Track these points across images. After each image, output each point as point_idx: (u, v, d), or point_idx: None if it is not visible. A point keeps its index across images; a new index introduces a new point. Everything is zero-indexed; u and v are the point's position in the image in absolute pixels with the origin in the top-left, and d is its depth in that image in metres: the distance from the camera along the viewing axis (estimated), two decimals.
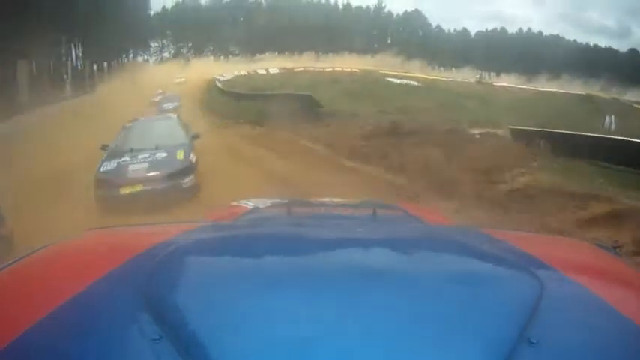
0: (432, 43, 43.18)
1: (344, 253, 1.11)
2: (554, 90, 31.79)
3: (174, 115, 11.77)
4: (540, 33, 37.35)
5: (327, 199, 3.20)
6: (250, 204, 2.82)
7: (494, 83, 35.48)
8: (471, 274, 0.97)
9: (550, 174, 10.01)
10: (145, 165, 9.05)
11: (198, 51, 52.96)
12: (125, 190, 8.62)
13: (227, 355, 0.66)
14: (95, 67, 34.50)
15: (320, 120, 16.71)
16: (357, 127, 14.99)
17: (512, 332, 0.71)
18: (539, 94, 30.40)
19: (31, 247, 1.15)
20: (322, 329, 0.71)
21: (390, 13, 51.65)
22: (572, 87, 32.59)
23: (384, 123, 14.99)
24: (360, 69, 41.22)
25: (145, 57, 48.06)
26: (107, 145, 10.25)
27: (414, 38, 45.91)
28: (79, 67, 31.92)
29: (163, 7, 50.99)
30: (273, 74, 40.86)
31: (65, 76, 29.17)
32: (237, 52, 55.01)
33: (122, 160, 9.22)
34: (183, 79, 33.38)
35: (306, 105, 17.79)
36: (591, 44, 36.19)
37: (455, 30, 47.02)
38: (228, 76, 38.43)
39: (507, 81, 35.38)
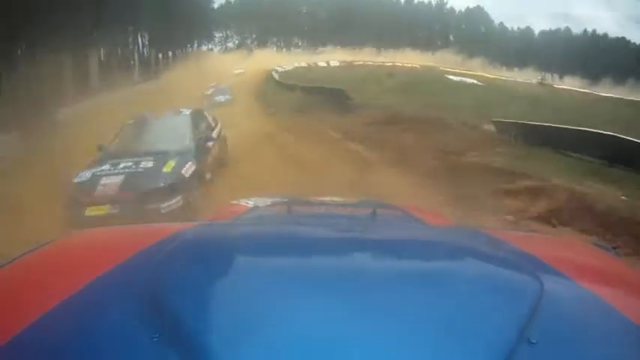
0: (494, 41, 42.34)
1: (343, 253, 1.12)
2: (619, 97, 29.97)
3: (187, 111, 9.30)
4: (606, 35, 36.51)
5: (327, 198, 3.18)
6: (250, 203, 2.83)
7: (556, 85, 34.05)
8: (471, 275, 0.97)
9: (506, 157, 11.34)
10: (119, 179, 6.85)
11: (262, 42, 54.15)
12: (91, 212, 6.50)
13: (227, 355, 0.66)
14: (160, 55, 36.43)
15: (350, 111, 17.91)
16: (373, 117, 16.68)
17: (512, 332, 0.72)
18: (602, 100, 28.95)
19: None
20: (322, 329, 0.72)
21: (452, 9, 52.07)
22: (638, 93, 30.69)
23: (388, 113, 16.67)
24: (420, 65, 41.11)
25: (210, 46, 50.13)
26: (104, 146, 8.26)
27: (476, 35, 45.28)
28: (145, 55, 34.02)
29: (227, 0, 53.32)
30: (333, 67, 41.22)
31: (132, 63, 31.15)
32: (299, 44, 56.31)
33: (100, 169, 7.14)
34: (242, 70, 34.06)
35: (338, 98, 19.74)
36: None
37: (518, 28, 45.87)
38: (288, 67, 38.84)
39: (570, 84, 34.15)
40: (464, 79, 34.07)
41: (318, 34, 52.45)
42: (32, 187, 7.18)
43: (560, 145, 12.26)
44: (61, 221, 6.19)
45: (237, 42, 53.05)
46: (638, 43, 34.25)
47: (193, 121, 8.86)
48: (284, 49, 53.38)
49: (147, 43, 34.61)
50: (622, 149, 10.41)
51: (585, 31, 36.37)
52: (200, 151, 8.08)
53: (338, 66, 41.65)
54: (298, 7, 53.72)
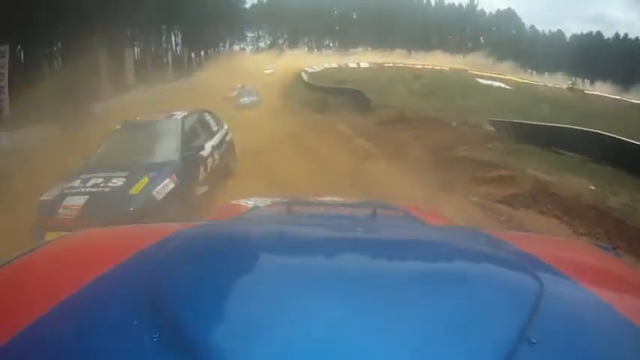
0: (525, 43, 41.93)
1: (344, 253, 1.12)
2: None
3: (180, 114, 7.87)
4: (637, 39, 35.26)
5: (327, 198, 3.18)
6: (250, 203, 2.82)
7: (587, 91, 33.24)
8: (471, 275, 0.98)
9: (493, 152, 12.12)
10: (83, 200, 5.78)
11: (293, 42, 54.90)
12: (52, 236, 3.71)
13: (227, 355, 0.66)
14: (193, 54, 37.46)
15: (369, 111, 18.59)
16: (385, 116, 17.56)
17: (512, 332, 0.72)
18: (632, 107, 27.93)
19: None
20: (322, 329, 0.72)
21: (482, 12, 51.60)
22: None
23: (400, 113, 17.38)
24: (450, 67, 41.00)
25: (242, 46, 51.34)
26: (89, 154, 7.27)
27: (507, 38, 44.92)
28: (178, 53, 35.15)
29: (259, 0, 54.18)
30: (363, 68, 41.61)
31: (165, 62, 32.28)
32: (331, 44, 56.71)
33: (69, 185, 6.07)
34: (272, 70, 34.47)
35: (357, 99, 20.59)
36: None
37: (549, 31, 45.11)
38: (318, 68, 39.22)
39: (601, 90, 33.34)
40: (493, 82, 33.70)
41: (349, 36, 52.78)
42: (64, 166, 7.81)
43: (551, 142, 12.72)
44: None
45: (268, 42, 53.96)
46: None
47: (185, 127, 7.49)
48: (315, 50, 53.93)
49: (180, 42, 35.84)
50: (606, 146, 10.93)
51: (617, 35, 35.48)
52: (189, 162, 6.85)
53: (368, 67, 42.06)
54: (330, 8, 54.14)
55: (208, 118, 8.92)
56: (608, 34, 35.82)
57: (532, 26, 45.84)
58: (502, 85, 31.78)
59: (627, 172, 10.00)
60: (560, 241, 1.78)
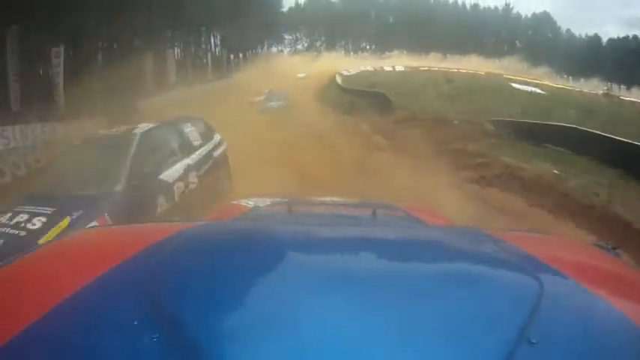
0: (560, 47, 41.35)
1: (344, 253, 1.13)
2: None
3: (143, 128, 6.26)
4: None
5: (327, 199, 3.19)
6: (250, 203, 2.83)
7: (622, 97, 32.27)
8: (471, 275, 0.98)
9: (487, 146, 13.32)
10: None
11: (330, 45, 55.58)
12: None
13: (227, 355, 0.66)
14: (232, 56, 38.84)
15: (391, 112, 19.43)
16: (402, 116, 18.59)
17: (512, 332, 0.72)
18: None
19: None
20: (322, 329, 0.72)
21: (518, 15, 51.21)
22: None
23: (407, 113, 18.62)
24: (484, 72, 40.64)
25: (280, 48, 52.75)
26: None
27: (543, 41, 44.60)
28: (217, 54, 36.49)
29: (297, 3, 55.18)
30: (398, 71, 41.54)
31: (205, 62, 33.66)
32: (367, 47, 57.14)
33: None
34: (304, 74, 34.80)
35: (379, 100, 21.65)
36: None
37: (586, 35, 44.41)
38: (354, 70, 39.39)
39: (638, 96, 32.18)
40: (527, 87, 33.30)
41: (385, 39, 53.10)
42: None
43: (542, 138, 13.78)
44: None
45: (306, 44, 54.97)
46: None
47: (142, 145, 5.94)
48: (351, 53, 54.50)
49: (219, 43, 37.20)
50: (584, 140, 12.31)
51: None
52: (139, 193, 5.40)
53: (403, 71, 42.09)
54: (366, 11, 54.61)
55: (189, 129, 7.34)
56: None
57: (568, 29, 45.59)
58: (536, 89, 31.46)
59: (601, 163, 11.25)
60: (560, 241, 1.78)
